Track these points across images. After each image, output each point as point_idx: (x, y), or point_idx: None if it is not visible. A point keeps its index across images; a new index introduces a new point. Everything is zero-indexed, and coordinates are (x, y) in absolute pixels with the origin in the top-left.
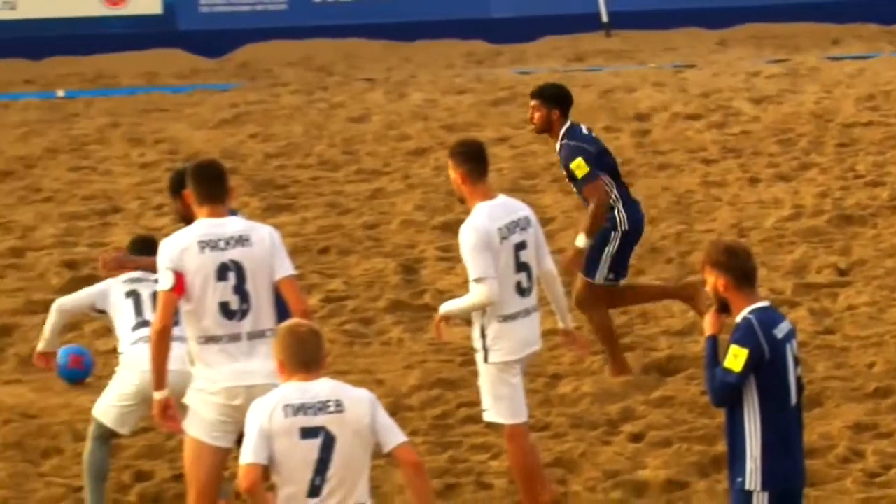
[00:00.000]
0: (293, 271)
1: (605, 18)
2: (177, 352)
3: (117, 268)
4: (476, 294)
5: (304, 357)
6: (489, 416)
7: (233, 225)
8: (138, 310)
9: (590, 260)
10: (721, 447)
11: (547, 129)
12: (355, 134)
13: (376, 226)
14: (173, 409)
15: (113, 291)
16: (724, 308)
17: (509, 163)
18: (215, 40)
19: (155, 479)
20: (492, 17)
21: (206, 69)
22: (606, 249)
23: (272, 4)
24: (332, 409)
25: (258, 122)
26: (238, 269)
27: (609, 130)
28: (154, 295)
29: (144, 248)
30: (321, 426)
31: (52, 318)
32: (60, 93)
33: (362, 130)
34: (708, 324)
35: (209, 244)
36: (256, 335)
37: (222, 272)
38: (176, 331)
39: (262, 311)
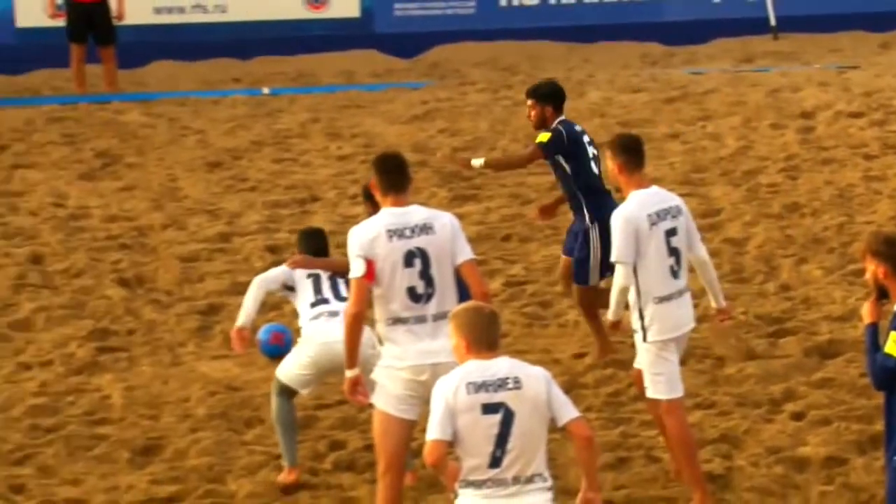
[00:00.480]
0: (473, 255)
1: (773, 22)
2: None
3: (304, 269)
4: (616, 275)
5: (488, 337)
6: (649, 392)
7: (417, 214)
8: (317, 289)
9: (580, 269)
10: (879, 426)
11: (542, 125)
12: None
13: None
14: (362, 386)
15: (298, 272)
16: (882, 295)
17: (680, 157)
18: (408, 42)
19: (348, 448)
20: (666, 20)
21: (400, 69)
22: (592, 256)
23: (461, 8)
24: (510, 385)
25: (447, 118)
26: (423, 255)
27: (775, 127)
28: (331, 277)
29: (311, 239)
30: (501, 402)
31: (252, 292)
32: (266, 90)
33: None
34: (867, 311)
35: (396, 233)
36: (440, 316)
37: (409, 259)
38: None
39: (446, 293)
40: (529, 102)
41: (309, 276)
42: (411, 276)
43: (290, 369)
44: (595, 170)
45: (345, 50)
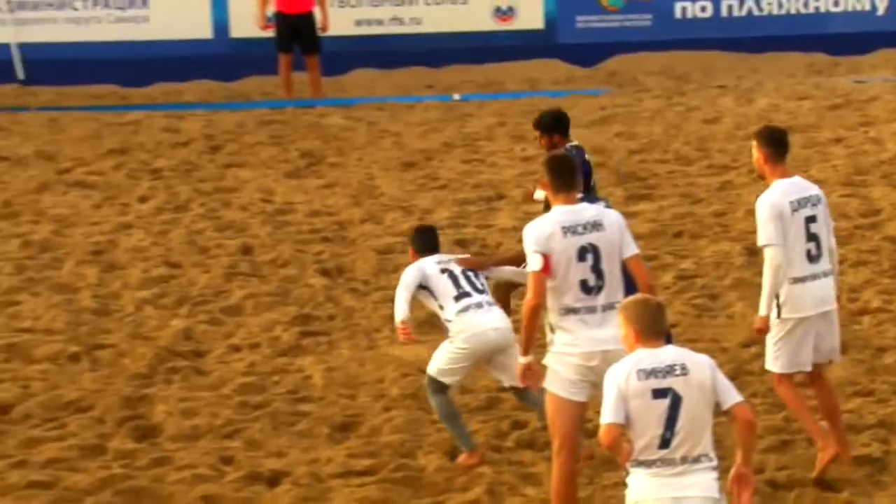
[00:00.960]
0: (638, 250)
1: None
2: (497, 312)
3: (479, 268)
4: (766, 259)
5: (656, 327)
6: (767, 363)
7: (587, 212)
8: (456, 284)
9: None
10: None
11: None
12: (708, 133)
13: (724, 214)
14: (533, 371)
15: (428, 270)
16: None
17: (843, 160)
18: (589, 52)
19: (529, 427)
20: (831, 32)
21: (580, 77)
22: None
23: (639, 21)
24: (677, 372)
25: (623, 123)
26: (595, 250)
27: None
28: (464, 272)
29: (425, 236)
30: (669, 387)
31: (401, 294)
32: (456, 96)
33: (714, 131)
34: None
35: (570, 230)
36: (609, 307)
37: (582, 254)
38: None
39: (614, 286)
40: (537, 133)
41: (443, 271)
42: (584, 270)
43: (444, 365)
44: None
45: (529, 59)
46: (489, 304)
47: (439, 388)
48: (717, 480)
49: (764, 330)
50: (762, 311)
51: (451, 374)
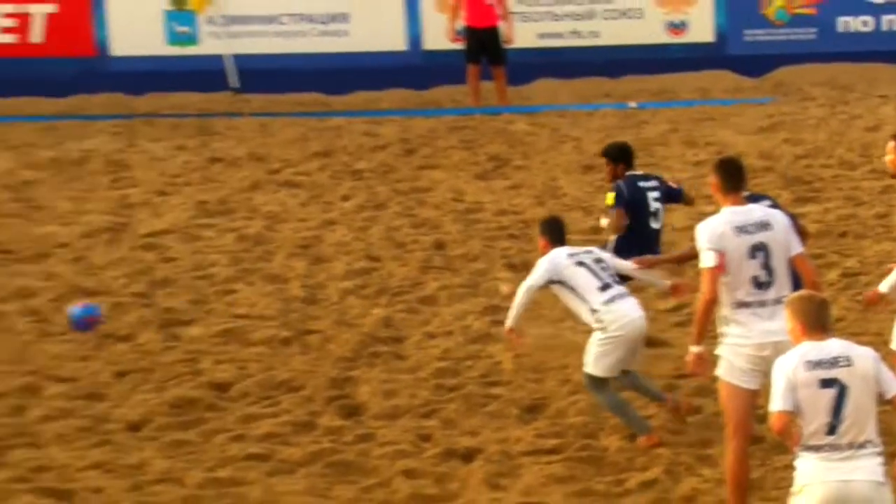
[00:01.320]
0: (803, 249)
1: None
2: (635, 301)
3: (651, 267)
4: None
5: (820, 321)
6: (892, 343)
7: (755, 212)
8: (596, 276)
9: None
10: None
11: (614, 180)
12: (870, 140)
13: (886, 216)
14: (704, 360)
15: (561, 264)
16: None
17: None
18: (756, 63)
19: (704, 412)
20: None
21: (748, 87)
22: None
23: (804, 34)
24: (843, 363)
25: (789, 130)
26: (764, 249)
27: None
28: (597, 262)
29: (555, 227)
30: (835, 378)
31: (521, 298)
32: (632, 104)
33: (876, 138)
34: None
35: (742, 229)
36: (778, 301)
37: (753, 252)
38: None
39: (782, 282)
40: (605, 161)
41: (578, 265)
42: (755, 267)
43: (599, 357)
44: (653, 225)
45: (700, 70)
46: (628, 294)
47: (599, 384)
48: (882, 465)
49: (874, 300)
50: (882, 288)
51: (608, 366)
